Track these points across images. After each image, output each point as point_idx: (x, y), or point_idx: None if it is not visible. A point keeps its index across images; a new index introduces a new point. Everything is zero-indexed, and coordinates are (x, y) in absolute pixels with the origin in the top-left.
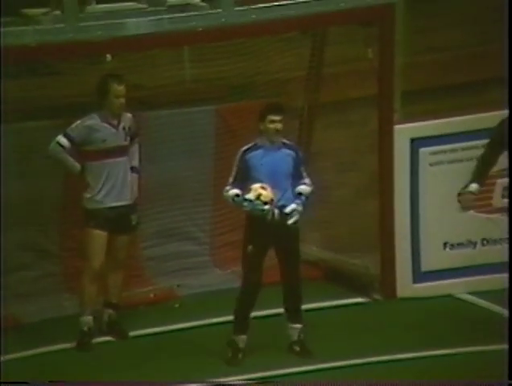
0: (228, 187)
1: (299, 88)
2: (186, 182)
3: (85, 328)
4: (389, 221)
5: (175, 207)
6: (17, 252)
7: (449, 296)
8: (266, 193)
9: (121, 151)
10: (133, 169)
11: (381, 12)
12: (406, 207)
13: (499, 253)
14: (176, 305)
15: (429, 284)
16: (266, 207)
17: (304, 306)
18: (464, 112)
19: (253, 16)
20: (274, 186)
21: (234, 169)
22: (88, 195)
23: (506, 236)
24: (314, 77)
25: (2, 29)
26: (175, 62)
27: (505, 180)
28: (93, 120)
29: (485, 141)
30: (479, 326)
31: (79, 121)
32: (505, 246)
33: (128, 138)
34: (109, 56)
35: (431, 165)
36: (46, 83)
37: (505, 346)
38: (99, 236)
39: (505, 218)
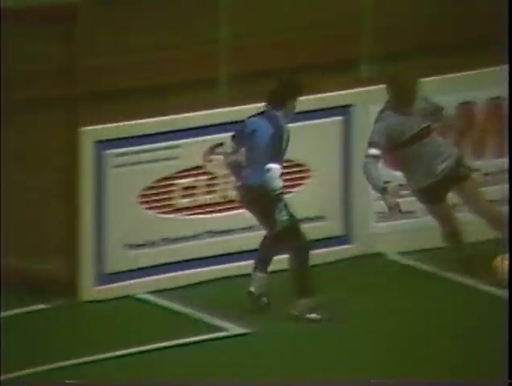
0: None
1: None
2: None
3: None
4: (73, 224)
5: None
6: None
7: (130, 297)
8: None
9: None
10: None
11: (64, 11)
12: (90, 210)
13: (178, 252)
14: None
15: (111, 286)
16: None
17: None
18: (147, 115)
19: None
20: None
21: None
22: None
23: (184, 235)
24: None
25: None
26: None
27: (185, 180)
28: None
29: (166, 143)
30: (161, 325)
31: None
32: (183, 244)
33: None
34: None
35: (114, 167)
36: None
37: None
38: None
39: (185, 217)
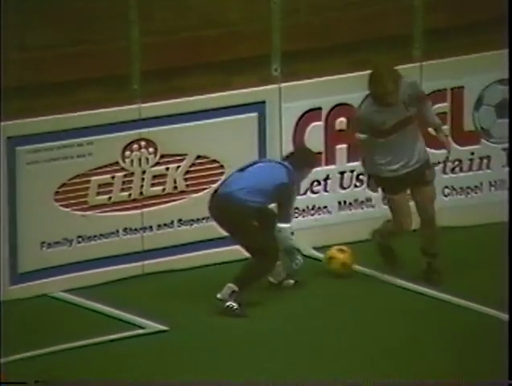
0: None
1: None
2: None
3: None
4: None
5: None
6: None
7: (46, 295)
8: None
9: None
10: None
11: None
12: (3, 208)
13: (94, 249)
14: None
15: (26, 285)
16: None
17: None
18: (60, 111)
19: None
20: None
21: None
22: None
23: (100, 232)
24: None
25: None
26: None
27: (100, 177)
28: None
29: (79, 139)
30: (78, 323)
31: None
32: (99, 241)
33: (410, 108)
34: None
35: (27, 164)
36: None
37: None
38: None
39: (100, 215)
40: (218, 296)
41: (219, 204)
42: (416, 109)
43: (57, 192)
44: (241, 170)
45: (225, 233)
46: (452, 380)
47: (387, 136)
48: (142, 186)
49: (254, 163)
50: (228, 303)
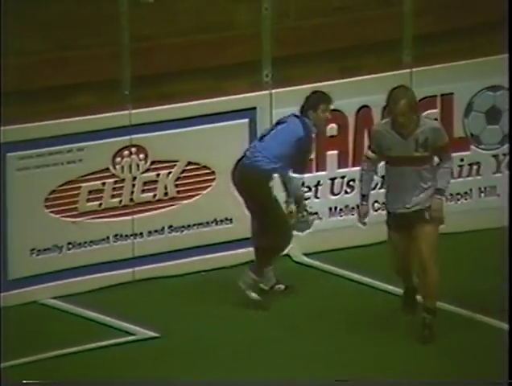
0: None
1: None
2: None
3: None
4: None
5: None
6: None
7: (35, 302)
8: None
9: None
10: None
11: None
12: None
13: (83, 256)
14: None
15: (16, 292)
16: None
17: None
18: (50, 116)
19: None
20: None
21: None
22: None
23: (91, 239)
24: None
25: None
26: None
27: (91, 184)
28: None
29: (69, 146)
30: (68, 330)
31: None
32: (89, 248)
33: (421, 150)
34: None
35: (18, 170)
36: None
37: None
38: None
39: (91, 221)
40: (240, 283)
41: (241, 175)
42: (431, 155)
43: (47, 199)
44: (261, 138)
45: (214, 240)
46: (452, 380)
47: (388, 164)
48: (132, 192)
49: (273, 127)
50: (253, 295)
